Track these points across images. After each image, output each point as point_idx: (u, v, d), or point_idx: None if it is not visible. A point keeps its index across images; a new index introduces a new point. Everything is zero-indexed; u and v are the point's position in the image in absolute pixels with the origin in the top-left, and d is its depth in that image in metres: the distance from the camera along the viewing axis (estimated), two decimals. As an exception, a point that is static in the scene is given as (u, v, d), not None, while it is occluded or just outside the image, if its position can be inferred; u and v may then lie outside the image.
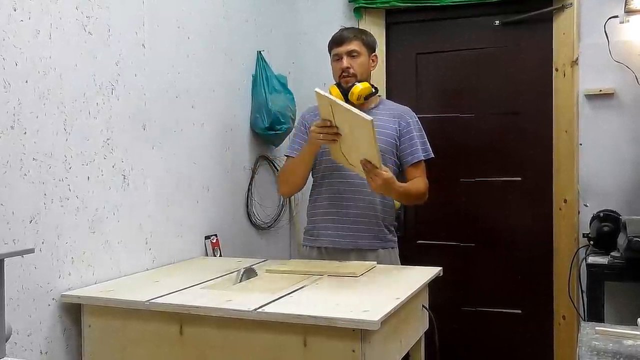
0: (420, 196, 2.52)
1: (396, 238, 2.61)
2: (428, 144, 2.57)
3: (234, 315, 1.70)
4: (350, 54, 2.52)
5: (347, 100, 2.47)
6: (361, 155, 2.18)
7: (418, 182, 2.51)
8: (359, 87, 2.47)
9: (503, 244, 3.28)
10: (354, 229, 2.49)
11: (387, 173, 2.20)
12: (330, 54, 2.61)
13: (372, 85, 2.55)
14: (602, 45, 2.97)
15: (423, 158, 2.53)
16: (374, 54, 2.60)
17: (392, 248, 2.57)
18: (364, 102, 2.51)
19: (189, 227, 2.58)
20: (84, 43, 2.01)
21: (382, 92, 3.30)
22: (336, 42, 2.55)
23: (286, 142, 3.23)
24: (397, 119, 2.54)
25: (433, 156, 2.57)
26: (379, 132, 2.47)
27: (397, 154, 2.53)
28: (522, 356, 3.25)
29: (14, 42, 1.76)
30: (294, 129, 2.81)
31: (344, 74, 2.51)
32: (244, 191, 3.04)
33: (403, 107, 2.64)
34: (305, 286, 1.97)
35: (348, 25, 3.01)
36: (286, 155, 2.67)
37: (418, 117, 2.61)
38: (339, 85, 2.52)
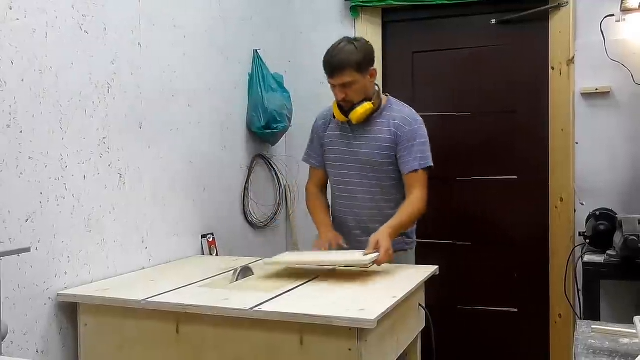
0: (417, 215, 2.46)
1: (412, 239, 2.59)
2: (428, 152, 2.48)
3: (230, 314, 1.70)
4: (343, 85, 2.41)
5: (349, 120, 2.48)
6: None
7: (408, 204, 2.43)
8: (358, 112, 2.43)
9: (499, 243, 3.28)
10: (368, 235, 2.40)
11: (382, 247, 2.17)
12: None
13: (376, 93, 2.50)
14: (598, 43, 2.97)
15: (417, 168, 2.44)
16: (372, 68, 2.46)
17: (410, 249, 2.57)
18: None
19: (185, 226, 2.57)
20: (80, 42, 2.01)
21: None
22: (327, 72, 2.43)
23: (283, 141, 3.25)
24: (395, 128, 2.47)
25: (431, 165, 2.47)
26: (372, 145, 2.48)
27: (393, 162, 2.48)
28: (518, 354, 3.25)
29: (9, 41, 1.75)
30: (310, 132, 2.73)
31: (340, 102, 2.46)
32: (240, 190, 3.03)
33: (407, 111, 2.53)
34: (301, 284, 1.98)
35: (345, 23, 2.91)
36: (305, 161, 2.71)
37: None
38: (339, 106, 2.48)
